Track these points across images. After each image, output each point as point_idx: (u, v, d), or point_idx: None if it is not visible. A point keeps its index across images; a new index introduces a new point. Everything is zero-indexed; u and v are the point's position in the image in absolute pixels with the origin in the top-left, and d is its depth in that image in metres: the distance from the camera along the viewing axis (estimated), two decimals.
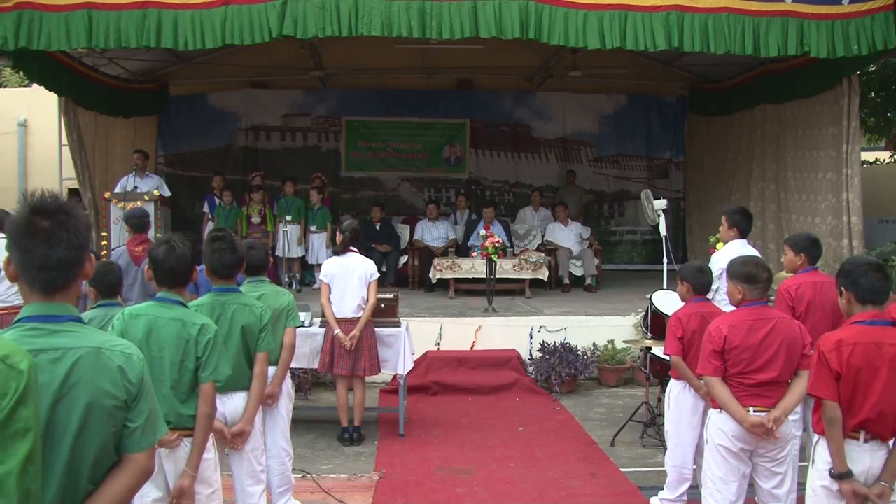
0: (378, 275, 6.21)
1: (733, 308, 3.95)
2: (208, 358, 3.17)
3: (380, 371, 6.26)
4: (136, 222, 6.52)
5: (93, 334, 1.97)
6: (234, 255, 3.95)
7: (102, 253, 7.82)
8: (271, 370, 4.67)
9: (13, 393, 1.47)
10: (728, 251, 5.33)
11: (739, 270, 3.81)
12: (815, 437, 3.32)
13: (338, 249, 6.16)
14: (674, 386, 4.70)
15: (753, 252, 5.38)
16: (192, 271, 3.36)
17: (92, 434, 1.89)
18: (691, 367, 4.46)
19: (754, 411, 3.67)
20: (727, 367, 3.71)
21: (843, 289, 3.28)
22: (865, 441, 3.15)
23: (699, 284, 4.62)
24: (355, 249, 6.12)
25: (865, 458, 3.14)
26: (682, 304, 4.79)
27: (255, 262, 4.78)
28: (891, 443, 3.17)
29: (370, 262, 6.15)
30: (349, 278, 6.00)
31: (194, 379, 3.19)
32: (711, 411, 3.87)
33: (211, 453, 3.30)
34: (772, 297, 5.18)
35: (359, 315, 6.00)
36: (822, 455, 3.24)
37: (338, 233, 6.27)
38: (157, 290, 3.35)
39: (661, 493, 4.73)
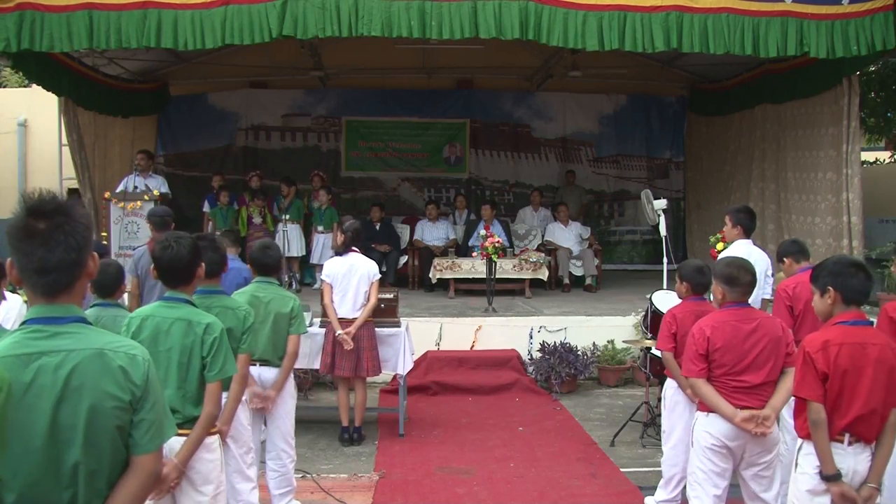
0: (380, 275, 6.21)
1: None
2: (214, 357, 3.17)
3: (381, 371, 6.26)
4: (159, 220, 6.39)
5: (96, 335, 1.95)
6: (216, 254, 3.88)
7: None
8: (272, 372, 4.66)
9: None
10: (733, 251, 5.32)
11: (722, 271, 3.80)
12: (799, 441, 3.28)
13: (339, 249, 6.17)
14: (670, 384, 4.70)
15: (758, 252, 5.38)
16: (193, 270, 3.31)
17: (100, 437, 1.88)
18: (682, 365, 4.46)
19: (742, 412, 3.64)
20: (712, 368, 3.70)
21: (830, 288, 3.21)
22: (850, 444, 3.13)
23: (698, 284, 4.62)
24: (357, 249, 6.12)
25: (849, 461, 3.12)
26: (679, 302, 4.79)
27: (270, 261, 4.77)
28: (873, 445, 3.15)
29: (372, 263, 6.14)
30: (351, 278, 6.00)
31: (201, 378, 3.18)
32: (698, 413, 3.85)
33: (216, 454, 3.28)
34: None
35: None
36: (808, 459, 3.20)
37: (339, 233, 6.27)
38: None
39: (657, 493, 4.73)
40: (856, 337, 3.14)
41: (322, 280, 6.13)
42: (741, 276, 3.75)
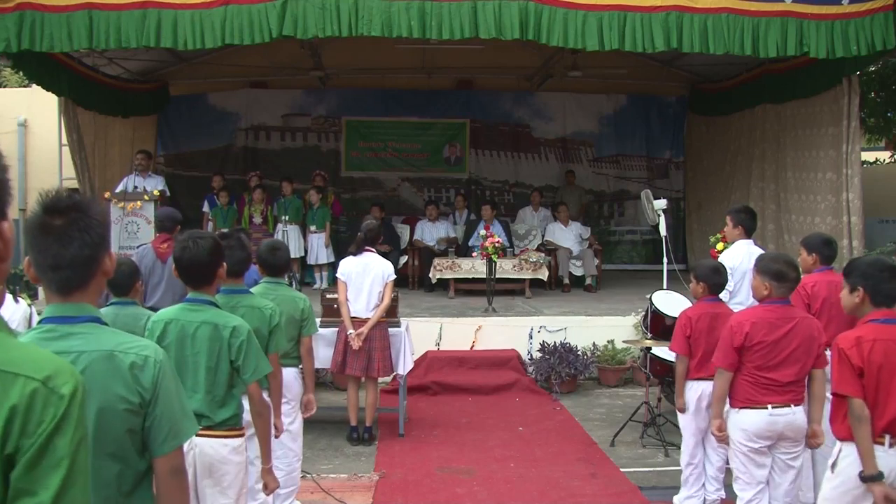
0: (395, 276, 6.19)
1: (746, 307, 3.96)
2: (245, 359, 3.13)
3: (392, 372, 6.27)
4: (158, 223, 6.46)
5: (109, 336, 1.95)
6: (243, 252, 3.89)
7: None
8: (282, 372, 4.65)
9: (49, 422, 1.33)
10: (735, 251, 5.31)
11: (770, 266, 3.78)
12: (838, 444, 3.23)
13: (352, 249, 6.17)
14: (689, 385, 4.70)
15: (759, 252, 5.37)
16: (213, 270, 3.22)
17: (108, 439, 1.88)
18: (695, 367, 4.46)
19: (773, 408, 3.69)
20: (744, 361, 3.73)
21: (860, 288, 3.22)
22: (891, 446, 3.09)
23: (715, 284, 4.60)
24: (372, 249, 6.12)
25: (891, 462, 3.08)
26: (691, 302, 4.78)
27: (279, 263, 4.74)
28: None
29: (388, 263, 6.14)
30: (365, 278, 6.00)
31: (230, 381, 3.15)
32: (729, 410, 3.86)
33: (242, 456, 3.26)
34: None
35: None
36: (846, 461, 3.14)
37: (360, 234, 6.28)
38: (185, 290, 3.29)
39: (680, 492, 4.72)
40: (888, 334, 3.15)
41: (337, 278, 6.12)
42: (789, 272, 3.75)
